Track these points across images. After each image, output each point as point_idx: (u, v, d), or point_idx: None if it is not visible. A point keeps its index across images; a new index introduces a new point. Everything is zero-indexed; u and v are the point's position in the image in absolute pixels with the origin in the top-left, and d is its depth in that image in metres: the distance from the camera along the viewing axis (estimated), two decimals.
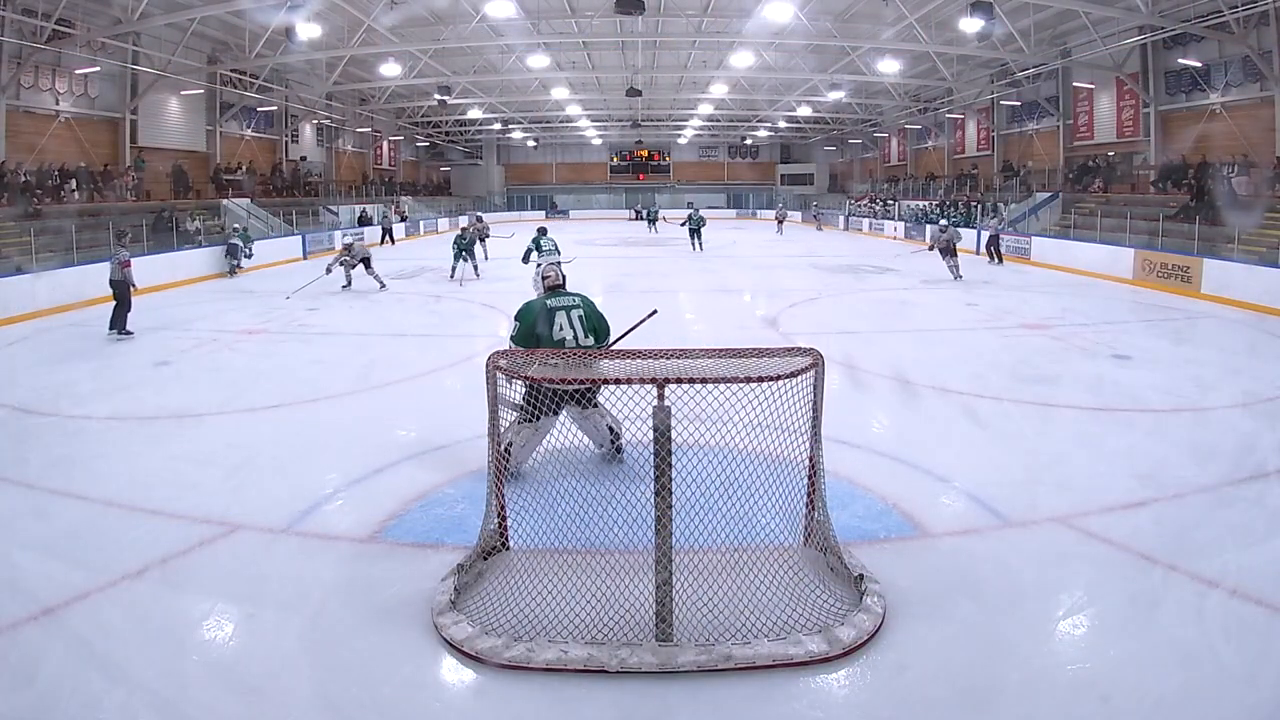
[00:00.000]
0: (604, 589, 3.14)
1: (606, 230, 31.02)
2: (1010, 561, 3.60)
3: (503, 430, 4.20)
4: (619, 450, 4.62)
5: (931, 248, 14.50)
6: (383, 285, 13.16)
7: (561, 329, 4.51)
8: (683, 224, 21.47)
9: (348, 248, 13.79)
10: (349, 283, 13.23)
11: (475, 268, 14.64)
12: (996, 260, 17.52)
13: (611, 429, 4.56)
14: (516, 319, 4.59)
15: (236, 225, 17.72)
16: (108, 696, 2.67)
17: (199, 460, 4.97)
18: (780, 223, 30.35)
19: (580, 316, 4.58)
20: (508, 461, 4.13)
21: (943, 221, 15.68)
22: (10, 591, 3.26)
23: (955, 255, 13.98)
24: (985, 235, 18.28)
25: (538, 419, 4.29)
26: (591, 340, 4.55)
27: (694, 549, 3.35)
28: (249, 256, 16.72)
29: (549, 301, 4.57)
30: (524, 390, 4.29)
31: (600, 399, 4.30)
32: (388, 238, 24.41)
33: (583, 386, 4.12)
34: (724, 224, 34.37)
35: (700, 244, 20.89)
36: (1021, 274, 15.78)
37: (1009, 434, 5.54)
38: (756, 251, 21.51)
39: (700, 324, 10.55)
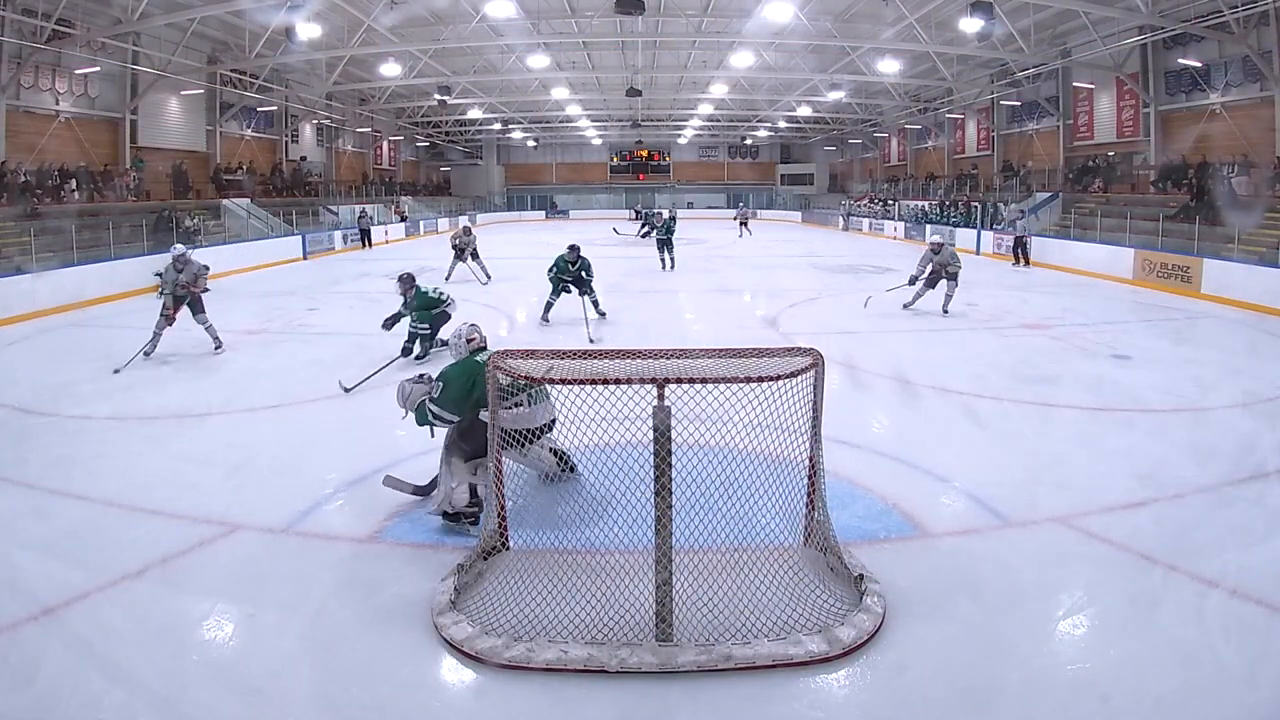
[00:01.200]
0: (604, 589, 3.15)
1: (607, 230, 30.98)
2: (1010, 561, 3.60)
3: (457, 479, 3.99)
4: (573, 469, 4.28)
5: (915, 279, 10.39)
6: (218, 345, 8.16)
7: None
8: (644, 233, 16.44)
9: (180, 263, 7.98)
10: (152, 349, 7.84)
11: (596, 304, 9.82)
12: (1024, 263, 17.19)
13: (555, 451, 4.23)
14: (442, 380, 4.02)
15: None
16: (108, 696, 2.67)
17: (199, 460, 4.97)
18: (743, 225, 27.73)
19: None
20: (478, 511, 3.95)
21: (934, 239, 10.65)
22: (10, 591, 3.26)
23: (956, 281, 10.33)
24: (1011, 237, 18.05)
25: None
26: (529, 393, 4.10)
27: (694, 549, 3.35)
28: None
29: (479, 358, 4.12)
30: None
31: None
32: (364, 240, 23.38)
33: (548, 423, 3.97)
34: (724, 224, 34.32)
35: (671, 259, 15.69)
36: (1022, 274, 15.78)
37: (1009, 434, 5.54)
38: (756, 251, 21.48)
39: (700, 324, 10.55)
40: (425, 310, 7.73)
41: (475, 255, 14.14)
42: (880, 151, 36.00)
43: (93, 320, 10.61)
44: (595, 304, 9.84)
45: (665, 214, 16.65)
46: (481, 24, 19.26)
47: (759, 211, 41.86)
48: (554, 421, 4.03)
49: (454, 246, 14.37)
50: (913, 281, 10.39)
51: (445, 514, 3.96)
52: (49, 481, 4.58)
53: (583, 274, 9.66)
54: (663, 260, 15.75)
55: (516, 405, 3.90)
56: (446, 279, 13.52)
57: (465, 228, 14.90)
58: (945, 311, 10.30)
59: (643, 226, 27.08)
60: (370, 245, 23.58)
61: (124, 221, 15.40)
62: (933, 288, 10.34)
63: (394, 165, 36.05)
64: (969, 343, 8.85)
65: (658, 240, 16.10)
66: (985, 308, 11.09)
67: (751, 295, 13.34)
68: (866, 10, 18.99)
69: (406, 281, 7.89)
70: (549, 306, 9.82)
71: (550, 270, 9.76)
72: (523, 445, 3.88)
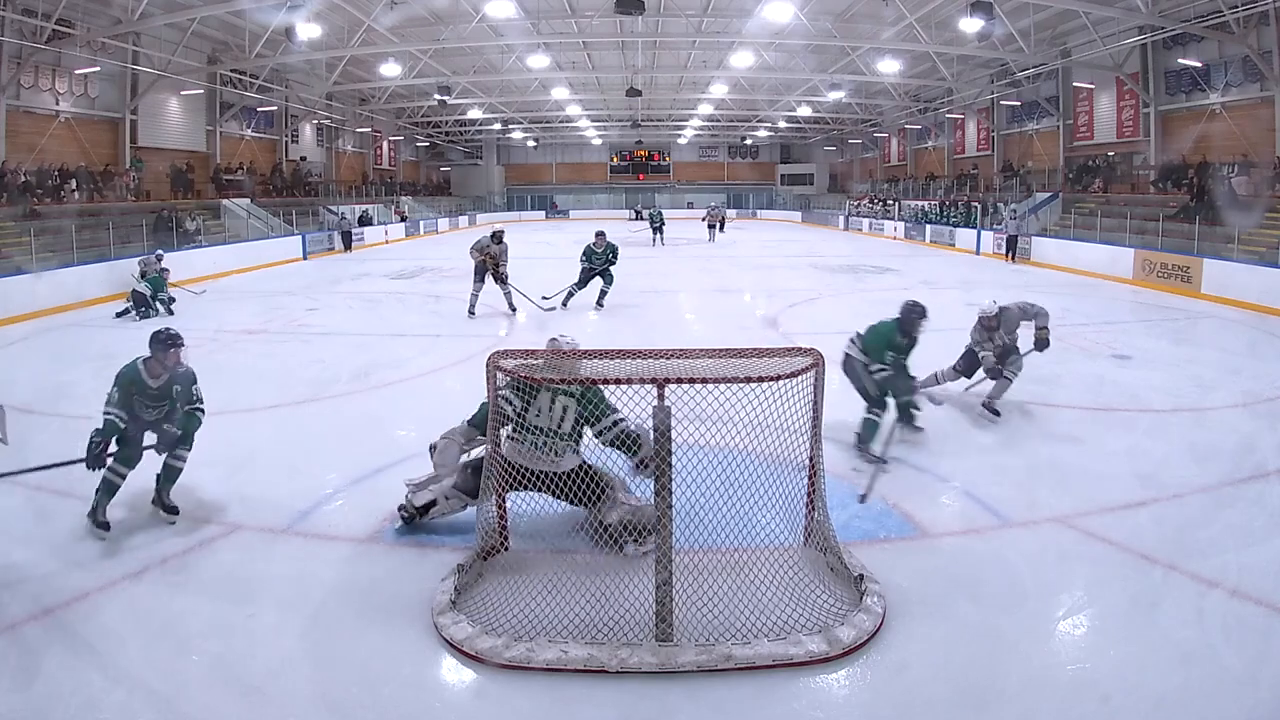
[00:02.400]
0: (604, 589, 3.14)
1: (607, 230, 30.96)
2: (1010, 561, 3.61)
3: (427, 484, 3.89)
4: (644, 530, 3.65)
5: (994, 367, 5.89)
6: None
7: (540, 414, 3.66)
8: (586, 258, 10.90)
9: None
10: None
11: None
12: (1012, 260, 17.75)
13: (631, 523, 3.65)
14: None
15: (150, 262, 11.32)
16: (108, 696, 2.67)
17: (199, 460, 4.95)
18: (713, 228, 25.52)
19: (569, 407, 3.68)
20: (419, 516, 3.88)
21: (994, 304, 6.18)
22: (10, 591, 3.26)
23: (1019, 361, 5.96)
24: (1005, 236, 18.45)
25: (474, 496, 3.70)
26: (571, 444, 3.72)
27: (694, 549, 3.35)
28: (166, 307, 10.91)
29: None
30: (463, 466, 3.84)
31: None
32: (345, 244, 22.12)
33: (547, 474, 3.57)
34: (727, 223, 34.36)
35: (605, 291, 10.89)
36: (1021, 274, 15.77)
37: (1009, 434, 5.54)
38: (756, 251, 21.50)
39: (700, 324, 10.55)
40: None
41: (505, 278, 10.23)
42: (880, 151, 35.98)
43: (93, 320, 10.60)
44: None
45: (606, 236, 11.26)
46: (481, 24, 19.24)
47: (759, 211, 41.91)
48: (550, 476, 3.59)
49: (477, 262, 10.10)
50: (978, 367, 6.08)
51: (406, 511, 3.93)
52: (49, 482, 4.56)
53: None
54: (569, 292, 10.82)
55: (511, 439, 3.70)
56: (471, 311, 10.17)
57: (495, 234, 10.25)
58: (994, 413, 5.82)
59: (656, 233, 22.99)
60: (351, 249, 22.31)
61: (124, 221, 15.39)
62: (969, 374, 6.13)
63: (394, 165, 36.04)
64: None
65: (585, 269, 10.86)
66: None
67: (751, 295, 13.34)
68: (866, 10, 18.97)
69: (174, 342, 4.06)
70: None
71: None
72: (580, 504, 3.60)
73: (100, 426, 3.86)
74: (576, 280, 10.83)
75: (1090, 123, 21.14)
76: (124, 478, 3.93)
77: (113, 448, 3.93)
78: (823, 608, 3.13)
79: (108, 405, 3.94)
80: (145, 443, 4.06)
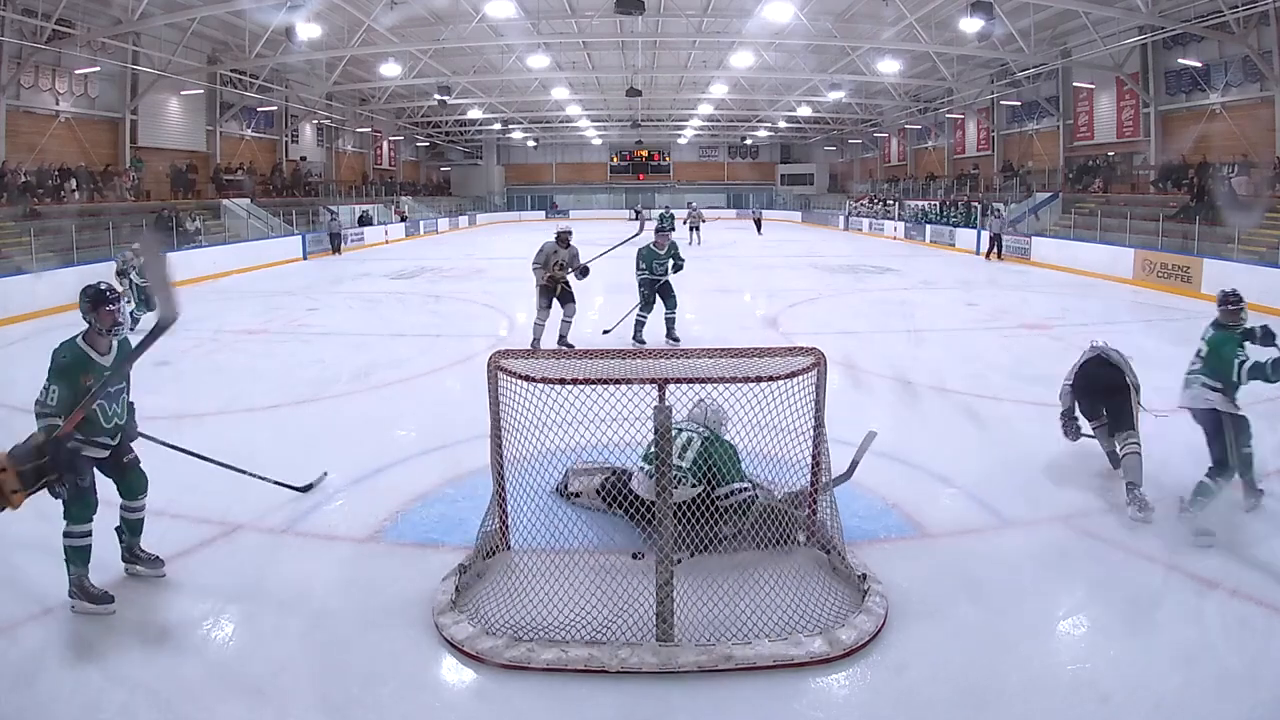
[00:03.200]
0: (604, 589, 3.14)
1: (608, 230, 30.95)
2: (1010, 561, 3.61)
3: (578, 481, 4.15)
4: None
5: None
6: None
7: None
8: (646, 265, 8.20)
9: None
10: None
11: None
12: (997, 257, 18.02)
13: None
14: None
15: (128, 258, 9.53)
16: (108, 696, 2.67)
17: (199, 460, 4.96)
18: (694, 229, 22.59)
19: (692, 440, 3.68)
20: (567, 497, 4.14)
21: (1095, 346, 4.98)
22: (10, 591, 3.26)
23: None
24: (989, 235, 18.66)
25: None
26: (690, 477, 3.61)
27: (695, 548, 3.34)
28: (135, 318, 9.10)
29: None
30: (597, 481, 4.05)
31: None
32: (334, 246, 21.48)
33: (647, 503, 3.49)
34: (724, 224, 34.37)
35: (672, 319, 8.38)
36: (1021, 274, 15.77)
37: (1009, 434, 5.53)
38: (756, 251, 21.49)
39: (700, 324, 10.53)
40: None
41: (585, 271, 8.04)
42: (880, 151, 36.01)
43: None
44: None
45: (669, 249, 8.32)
46: (481, 24, 19.26)
47: (761, 211, 41.88)
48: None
49: (544, 282, 7.77)
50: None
51: (562, 487, 4.17)
52: None
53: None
54: (639, 320, 8.30)
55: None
56: (534, 346, 7.58)
57: (560, 235, 7.91)
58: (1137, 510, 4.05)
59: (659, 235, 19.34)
60: (340, 251, 21.63)
61: (124, 221, 15.40)
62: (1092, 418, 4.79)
63: (394, 165, 36.05)
64: (969, 343, 8.84)
65: (647, 284, 8.20)
66: (985, 308, 11.09)
67: (751, 295, 13.34)
68: (866, 10, 18.98)
69: (108, 296, 3.36)
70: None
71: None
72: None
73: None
74: (641, 302, 8.24)
75: (1090, 123, 21.15)
76: (90, 535, 3.21)
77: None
78: (824, 608, 3.12)
79: (45, 409, 3.13)
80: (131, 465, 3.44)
